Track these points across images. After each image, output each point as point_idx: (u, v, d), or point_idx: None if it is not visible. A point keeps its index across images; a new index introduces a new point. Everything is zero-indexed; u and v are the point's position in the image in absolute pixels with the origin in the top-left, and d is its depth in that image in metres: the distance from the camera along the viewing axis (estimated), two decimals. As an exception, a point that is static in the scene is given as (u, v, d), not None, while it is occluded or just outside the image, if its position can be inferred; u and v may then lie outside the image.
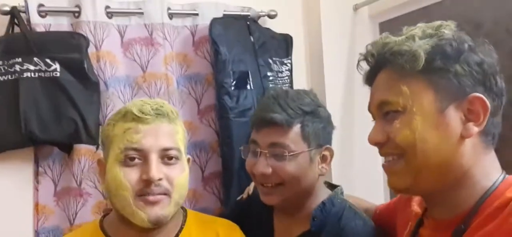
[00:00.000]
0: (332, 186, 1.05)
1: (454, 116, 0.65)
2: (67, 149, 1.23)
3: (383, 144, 0.70)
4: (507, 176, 0.67)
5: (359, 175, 1.50)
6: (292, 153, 0.92)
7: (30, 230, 1.20)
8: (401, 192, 0.76)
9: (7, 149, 1.17)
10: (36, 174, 1.23)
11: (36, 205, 1.22)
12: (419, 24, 0.70)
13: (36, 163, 1.23)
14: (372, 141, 0.71)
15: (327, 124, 1.00)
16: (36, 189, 1.22)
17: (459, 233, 0.64)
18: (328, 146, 0.99)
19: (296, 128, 0.94)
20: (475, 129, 0.64)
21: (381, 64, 0.71)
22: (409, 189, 0.71)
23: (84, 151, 1.24)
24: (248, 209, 1.09)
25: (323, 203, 0.97)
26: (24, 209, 1.21)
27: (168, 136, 0.84)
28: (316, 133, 0.96)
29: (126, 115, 0.84)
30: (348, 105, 1.53)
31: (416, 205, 0.81)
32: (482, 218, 0.63)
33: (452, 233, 0.65)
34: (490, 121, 0.65)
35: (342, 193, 1.03)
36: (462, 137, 0.64)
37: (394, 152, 0.69)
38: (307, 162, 0.94)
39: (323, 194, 1.00)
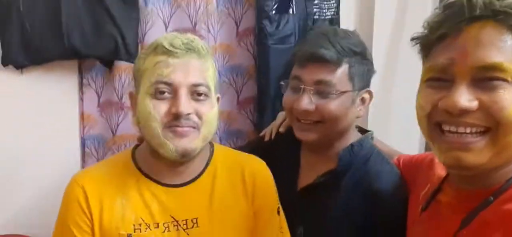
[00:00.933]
0: (363, 131, 1.04)
1: None
2: (108, 64, 1.27)
3: (471, 112, 0.60)
4: None
5: (395, 127, 1.43)
6: (337, 92, 0.91)
7: (76, 137, 1.31)
8: (466, 170, 0.63)
9: (51, 60, 1.23)
10: (81, 85, 1.29)
11: (82, 114, 1.30)
12: None
13: (80, 74, 1.29)
14: (462, 107, 0.59)
15: (371, 67, 0.98)
16: (81, 99, 1.30)
17: (487, 203, 0.61)
18: (368, 89, 0.98)
19: (344, 67, 0.92)
20: None
21: (483, 16, 0.59)
22: (477, 168, 0.62)
23: (125, 67, 1.28)
24: (275, 143, 1.09)
25: (351, 145, 0.97)
26: (70, 117, 1.30)
27: (198, 71, 0.83)
28: (361, 75, 0.94)
29: (156, 49, 0.83)
30: (394, 46, 1.41)
31: (440, 168, 0.77)
32: (505, 196, 0.60)
33: (478, 204, 0.62)
34: None
35: (372, 138, 1.02)
36: None
37: (481, 125, 0.60)
38: (349, 103, 0.93)
39: (353, 136, 1.00)
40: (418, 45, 0.68)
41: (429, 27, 0.65)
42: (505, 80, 0.58)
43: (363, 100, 0.97)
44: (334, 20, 1.38)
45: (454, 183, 0.70)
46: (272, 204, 0.93)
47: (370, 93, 0.98)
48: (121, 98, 1.29)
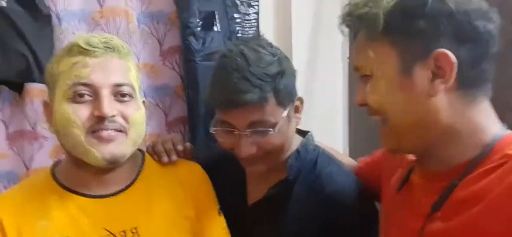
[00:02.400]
0: (301, 132, 1.03)
1: (420, 75, 0.62)
2: (17, 88, 1.13)
3: (364, 106, 0.70)
4: (508, 132, 0.65)
5: (319, 127, 1.51)
6: (274, 125, 0.85)
7: (-20, 175, 1.12)
8: (392, 153, 0.77)
9: None
10: (-17, 115, 1.12)
11: (-15, 149, 1.12)
12: None
13: (-17, 103, 1.12)
14: (355, 102, 0.72)
15: (293, 76, 0.92)
16: (-16, 131, 1.12)
17: (453, 187, 0.64)
18: (298, 96, 0.95)
19: (271, 98, 0.84)
20: (441, 86, 0.62)
21: (354, 28, 0.70)
22: (396, 150, 0.72)
23: (37, 91, 1.15)
24: (216, 160, 1.04)
25: (297, 151, 0.95)
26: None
27: (120, 71, 0.78)
28: (288, 91, 0.88)
29: (72, 49, 0.77)
30: (313, 49, 1.52)
31: None
32: (476, 173, 0.62)
33: (445, 188, 0.65)
34: (468, 72, 0.62)
35: (313, 139, 1.02)
36: (428, 95, 0.62)
37: (376, 115, 0.69)
38: (286, 124, 0.89)
39: (295, 141, 0.98)
40: None
41: None
42: (366, 75, 0.68)
43: (297, 109, 0.95)
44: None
45: (423, 165, 0.73)
46: (212, 203, 0.91)
47: (299, 99, 0.95)
48: (35, 126, 1.15)
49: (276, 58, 0.88)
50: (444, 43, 0.61)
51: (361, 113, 1.57)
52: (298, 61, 1.48)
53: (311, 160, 0.95)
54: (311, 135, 1.01)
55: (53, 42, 1.15)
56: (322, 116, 1.51)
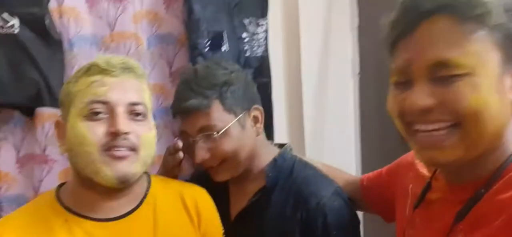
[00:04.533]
0: (281, 146, 1.07)
1: (509, 80, 0.60)
2: (29, 112, 1.15)
3: (431, 110, 0.60)
4: None
5: (330, 147, 1.49)
6: (220, 130, 0.92)
7: (-9, 199, 1.13)
8: (443, 167, 0.66)
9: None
10: (-4, 140, 1.14)
11: (-3, 173, 1.14)
12: None
13: (-5, 128, 1.14)
14: (421, 106, 0.60)
15: (246, 86, 0.99)
16: (-4, 156, 1.14)
17: (479, 196, 0.61)
18: (256, 106, 1.00)
19: (216, 104, 0.93)
20: None
21: (435, 8, 0.59)
22: (454, 163, 0.62)
23: (48, 115, 1.16)
24: (200, 178, 1.07)
25: (274, 159, 0.99)
26: (-16, 177, 1.13)
27: (135, 91, 0.80)
28: (239, 99, 0.96)
29: (90, 69, 0.79)
30: (323, 67, 1.50)
31: (423, 166, 0.77)
32: (504, 181, 0.59)
33: (469, 198, 0.62)
34: None
35: (291, 149, 1.05)
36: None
37: (447, 119, 0.60)
38: (239, 131, 0.95)
39: (271, 152, 1.02)
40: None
41: (389, 27, 0.65)
42: (459, 75, 0.58)
43: (255, 119, 0.99)
44: (265, 57, 1.43)
45: (443, 179, 0.69)
46: (218, 228, 0.90)
47: (258, 109, 1.00)
48: (45, 150, 1.16)
49: (227, 71, 0.97)
50: None
51: (373, 126, 1.55)
52: (308, 79, 1.48)
53: (288, 167, 0.99)
54: (289, 146, 1.05)
55: (64, 67, 1.17)
56: (333, 132, 1.49)
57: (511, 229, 0.55)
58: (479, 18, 0.58)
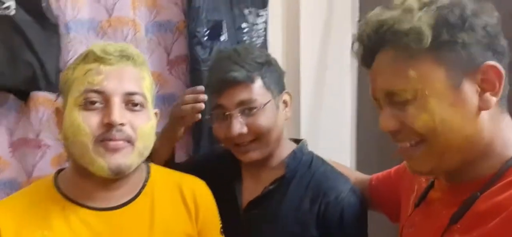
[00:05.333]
0: (297, 141, 1.08)
1: (469, 89, 0.61)
2: (23, 96, 1.13)
3: (397, 131, 0.65)
4: None
5: (326, 140, 1.48)
6: (261, 105, 0.94)
7: (-18, 183, 1.12)
8: (425, 175, 0.73)
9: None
10: (-11, 122, 1.13)
11: (-12, 157, 1.12)
12: None
13: (-12, 111, 1.13)
14: (385, 129, 0.66)
15: (281, 71, 1.04)
16: (-11, 138, 1.13)
17: (474, 199, 0.62)
18: (286, 91, 1.03)
19: (258, 81, 0.95)
20: (493, 99, 0.61)
21: (379, 45, 0.65)
22: (432, 171, 0.68)
23: (42, 100, 1.15)
24: (212, 163, 1.09)
25: (294, 152, 1.01)
26: (-25, 161, 1.11)
27: (133, 80, 0.78)
28: (275, 81, 0.99)
29: (87, 56, 0.77)
30: (322, 58, 1.50)
31: None
32: (497, 187, 0.61)
33: (465, 199, 0.63)
34: (503, 85, 0.62)
35: (307, 145, 1.07)
36: (480, 110, 0.61)
37: (412, 138, 0.65)
38: (274, 111, 0.97)
39: (289, 144, 1.04)
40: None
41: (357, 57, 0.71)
42: (408, 100, 0.63)
43: (285, 103, 1.02)
44: (263, 47, 1.41)
45: (443, 178, 0.71)
46: (216, 222, 0.90)
47: (288, 93, 1.04)
48: (38, 134, 1.14)
49: (265, 55, 1.01)
50: (488, 55, 0.61)
51: (369, 121, 1.55)
52: (307, 70, 1.47)
53: (307, 161, 1.01)
54: (306, 141, 1.07)
55: (60, 51, 1.15)
56: (330, 124, 1.49)
57: (506, 230, 0.56)
58: (414, 43, 0.61)
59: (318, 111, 1.49)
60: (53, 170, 1.11)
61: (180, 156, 1.33)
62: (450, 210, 0.65)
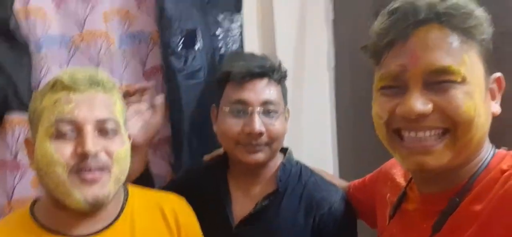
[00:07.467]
0: (281, 149, 1.06)
1: (489, 93, 0.64)
2: (-3, 119, 1.12)
3: (426, 116, 0.61)
4: (497, 150, 0.66)
5: (307, 140, 1.49)
6: (281, 111, 0.96)
7: (-39, 208, 1.11)
8: (433, 171, 0.64)
9: None
10: (-37, 147, 1.11)
11: (-34, 181, 1.11)
12: None
13: (-38, 135, 1.11)
14: (415, 112, 0.60)
15: (286, 87, 1.04)
16: (-36, 163, 1.11)
17: (454, 205, 0.62)
18: (287, 106, 1.04)
19: (279, 87, 0.97)
20: (498, 107, 0.64)
21: (429, 18, 0.61)
22: (440, 169, 0.63)
23: (18, 120, 1.13)
24: (196, 181, 1.06)
25: (283, 164, 1.00)
26: (-48, 187, 1.10)
27: (104, 106, 0.77)
28: (286, 94, 1.01)
29: (55, 85, 0.76)
30: (299, 59, 1.50)
31: (400, 176, 0.79)
32: (476, 191, 0.61)
33: (445, 207, 0.63)
34: None
35: (292, 153, 1.06)
36: (493, 115, 0.64)
37: (439, 126, 0.61)
38: (284, 121, 0.99)
39: (278, 155, 1.02)
40: (369, 53, 0.68)
41: (377, 35, 0.65)
42: (454, 81, 0.60)
43: (286, 118, 1.02)
44: (240, 53, 1.41)
45: (417, 188, 0.70)
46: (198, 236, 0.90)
47: (288, 110, 1.03)
48: (16, 156, 1.14)
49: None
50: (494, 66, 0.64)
51: (348, 119, 1.56)
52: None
53: (296, 172, 1.00)
54: (291, 150, 1.06)
55: (31, 70, 1.13)
56: (309, 125, 1.50)
57: (484, 233, 0.57)
58: (469, 30, 0.60)
59: (297, 111, 1.49)
60: (33, 191, 1.13)
61: (161, 166, 1.34)
62: (430, 221, 0.65)
